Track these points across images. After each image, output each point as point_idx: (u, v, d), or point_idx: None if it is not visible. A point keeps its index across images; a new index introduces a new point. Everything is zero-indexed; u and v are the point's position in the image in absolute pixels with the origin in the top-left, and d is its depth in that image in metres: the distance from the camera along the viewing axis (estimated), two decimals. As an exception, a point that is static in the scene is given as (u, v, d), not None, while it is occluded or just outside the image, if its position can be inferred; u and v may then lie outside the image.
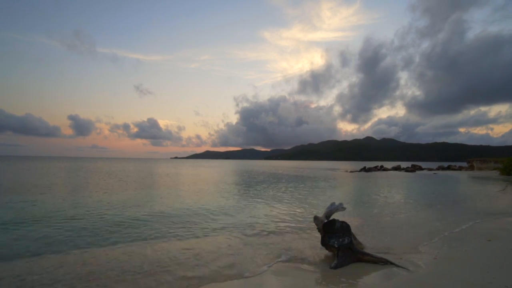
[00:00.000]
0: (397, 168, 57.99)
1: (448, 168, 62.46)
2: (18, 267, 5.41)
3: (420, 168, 59.47)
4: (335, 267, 5.31)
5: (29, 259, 5.83)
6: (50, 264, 5.58)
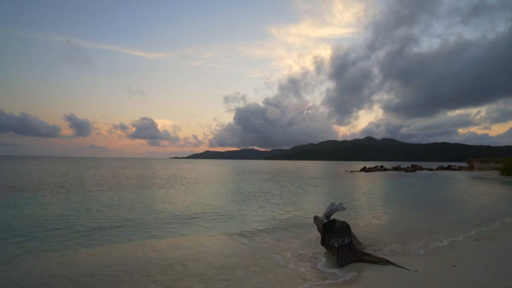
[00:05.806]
0: (397, 168, 58.00)
1: (448, 168, 62.51)
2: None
3: (420, 168, 59.50)
4: (335, 267, 5.31)
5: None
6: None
